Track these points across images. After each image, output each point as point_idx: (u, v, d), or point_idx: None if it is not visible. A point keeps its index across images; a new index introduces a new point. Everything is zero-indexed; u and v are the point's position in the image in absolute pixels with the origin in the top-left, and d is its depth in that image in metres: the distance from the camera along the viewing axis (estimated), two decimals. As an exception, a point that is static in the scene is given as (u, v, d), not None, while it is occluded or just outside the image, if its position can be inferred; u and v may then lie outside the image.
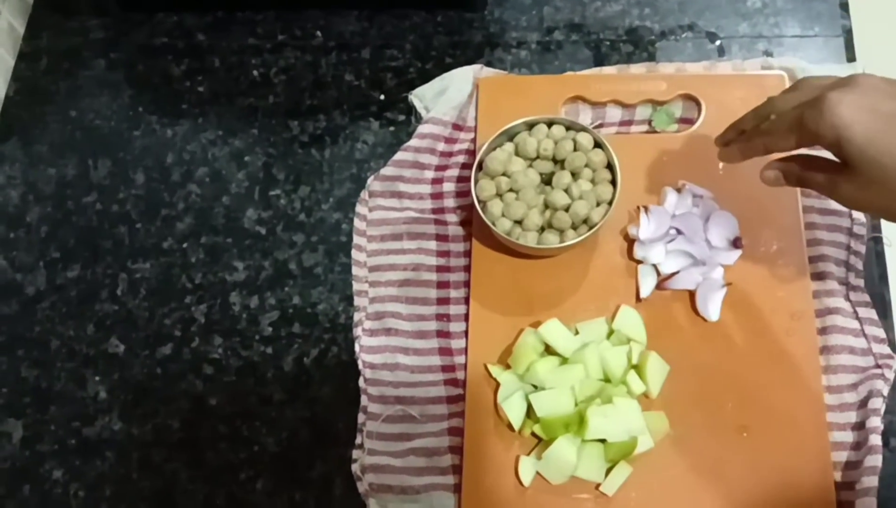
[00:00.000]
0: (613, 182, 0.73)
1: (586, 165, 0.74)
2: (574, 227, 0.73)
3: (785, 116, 0.59)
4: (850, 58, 0.84)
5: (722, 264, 0.75)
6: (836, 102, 0.55)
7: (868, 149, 0.54)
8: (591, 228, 0.72)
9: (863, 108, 0.54)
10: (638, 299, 0.75)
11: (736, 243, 0.75)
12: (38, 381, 0.78)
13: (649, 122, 0.82)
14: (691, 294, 0.74)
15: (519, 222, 0.74)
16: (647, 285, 0.75)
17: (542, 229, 0.74)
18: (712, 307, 0.73)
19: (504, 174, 0.74)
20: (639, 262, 0.76)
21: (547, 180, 0.75)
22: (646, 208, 0.76)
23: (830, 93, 0.55)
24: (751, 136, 0.64)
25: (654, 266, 0.75)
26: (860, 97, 0.55)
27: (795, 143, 0.59)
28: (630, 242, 0.76)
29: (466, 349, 0.75)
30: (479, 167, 0.76)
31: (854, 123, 0.54)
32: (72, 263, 0.82)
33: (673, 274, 0.74)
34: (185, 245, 0.82)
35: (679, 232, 0.75)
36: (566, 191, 0.73)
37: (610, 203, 0.72)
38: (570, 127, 0.76)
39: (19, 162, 0.87)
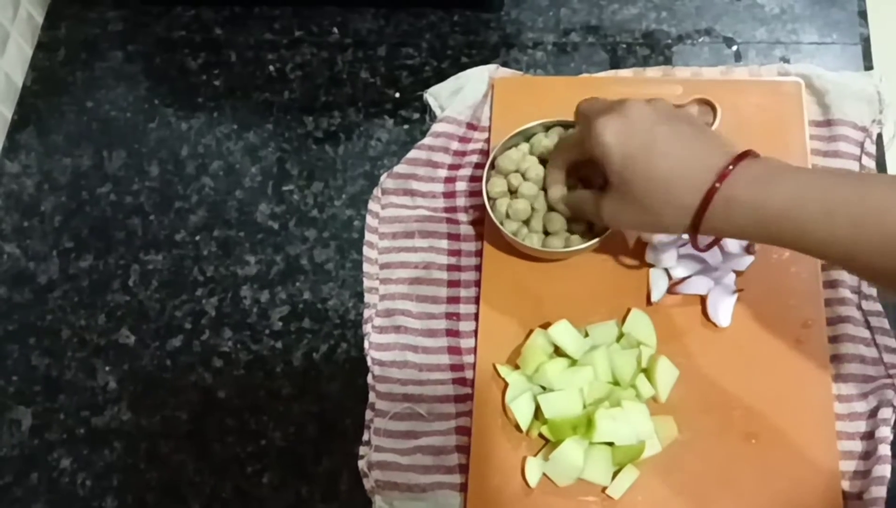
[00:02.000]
0: None
1: None
2: (578, 233, 0.73)
3: (573, 134, 0.70)
4: (868, 66, 0.84)
5: (734, 269, 0.74)
6: (602, 127, 0.63)
7: (623, 170, 0.62)
8: (597, 235, 0.72)
9: (622, 134, 0.62)
10: (649, 302, 0.74)
11: (749, 249, 0.75)
12: (49, 370, 0.78)
13: (664, 126, 0.82)
14: (702, 299, 0.74)
15: (526, 223, 0.74)
16: (658, 289, 0.74)
17: (546, 232, 0.73)
18: (723, 313, 0.73)
19: (516, 172, 0.74)
20: (650, 266, 0.75)
21: None
22: None
23: (599, 120, 0.63)
24: (553, 153, 0.73)
25: (666, 271, 0.75)
26: (621, 126, 0.62)
27: (576, 155, 0.70)
28: (642, 245, 0.76)
29: (475, 348, 0.75)
30: (492, 166, 0.76)
31: (612, 144, 0.62)
32: (84, 253, 0.82)
33: (684, 279, 0.74)
34: (197, 238, 0.82)
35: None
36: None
37: None
38: None
39: (35, 151, 0.87)
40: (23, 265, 0.82)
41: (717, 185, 0.59)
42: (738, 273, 0.74)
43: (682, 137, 0.62)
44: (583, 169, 0.72)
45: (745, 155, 0.60)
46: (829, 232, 0.57)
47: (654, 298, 0.74)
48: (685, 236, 0.75)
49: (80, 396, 0.77)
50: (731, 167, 0.59)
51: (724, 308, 0.73)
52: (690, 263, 0.75)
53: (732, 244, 0.75)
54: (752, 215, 0.59)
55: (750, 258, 0.74)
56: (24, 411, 0.77)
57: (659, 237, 0.74)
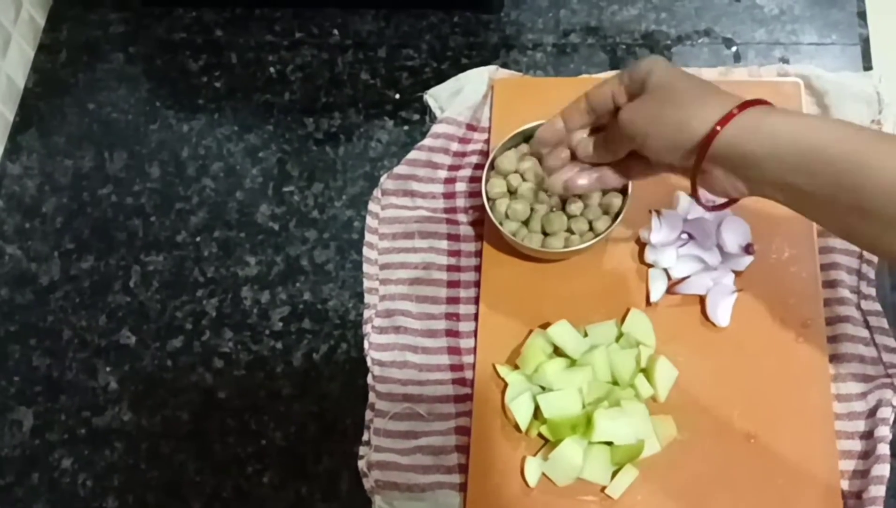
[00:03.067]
0: (624, 192, 0.73)
1: None
2: (578, 234, 0.73)
3: (609, 79, 0.66)
4: (867, 66, 0.84)
5: (733, 269, 0.75)
6: (650, 59, 0.64)
7: (664, 77, 0.62)
8: (596, 235, 0.72)
9: (665, 62, 0.64)
10: (648, 303, 0.75)
11: (748, 250, 0.75)
12: (50, 370, 0.78)
13: (663, 126, 0.82)
14: (702, 299, 0.74)
15: (525, 223, 0.74)
16: (657, 289, 0.74)
17: (546, 233, 0.74)
18: (722, 313, 0.73)
19: (515, 173, 0.74)
20: (650, 266, 0.76)
21: None
22: (658, 212, 0.76)
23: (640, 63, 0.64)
24: (594, 148, 0.69)
25: (665, 271, 0.75)
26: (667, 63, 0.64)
27: (615, 90, 0.66)
28: (642, 245, 0.76)
29: (475, 348, 0.75)
30: (492, 167, 0.76)
31: (659, 63, 0.63)
32: (86, 254, 0.83)
33: (683, 279, 0.74)
34: (198, 239, 0.82)
35: (691, 237, 0.75)
36: (568, 201, 0.73)
37: (617, 214, 0.72)
38: None
39: (37, 153, 0.88)
40: (24, 266, 0.83)
41: (717, 128, 0.59)
42: (738, 273, 0.75)
43: (707, 82, 0.63)
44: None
45: (751, 104, 0.60)
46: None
47: (653, 298, 0.74)
48: (685, 236, 0.75)
49: (81, 396, 0.77)
50: (735, 111, 0.59)
51: (723, 308, 0.73)
52: (690, 263, 0.75)
53: (732, 244, 0.75)
54: (783, 138, 0.57)
55: (749, 258, 0.75)
56: (26, 411, 0.77)
57: (657, 238, 0.75)
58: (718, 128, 0.58)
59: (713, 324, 0.73)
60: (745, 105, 0.59)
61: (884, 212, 0.54)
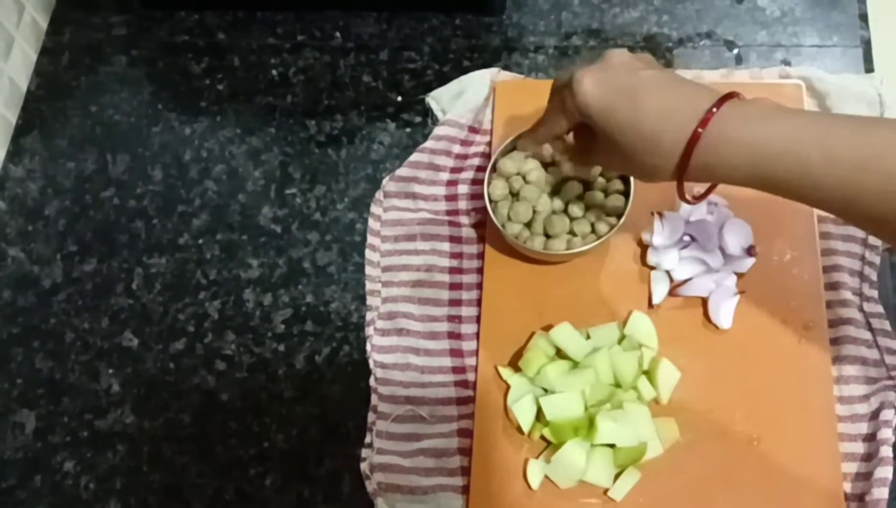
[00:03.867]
0: (626, 194, 0.73)
1: (600, 175, 0.74)
2: (580, 236, 0.73)
3: (552, 97, 0.65)
4: (869, 68, 0.84)
5: (735, 271, 0.75)
6: (580, 80, 0.61)
7: (604, 120, 0.60)
8: (599, 237, 0.72)
9: (602, 83, 0.60)
10: (650, 305, 0.75)
11: (750, 251, 0.75)
12: (52, 373, 0.78)
13: (665, 128, 0.82)
14: (704, 302, 0.74)
15: (527, 226, 0.74)
16: (659, 291, 0.74)
17: (548, 235, 0.74)
18: (724, 315, 0.73)
19: (518, 175, 0.75)
20: (652, 268, 0.76)
21: (557, 189, 0.75)
22: (660, 214, 0.76)
23: (579, 72, 0.61)
24: (534, 127, 0.70)
25: (667, 273, 0.75)
26: (602, 73, 0.60)
27: (565, 123, 0.65)
28: (644, 247, 0.76)
29: (477, 351, 0.75)
30: (494, 169, 0.76)
31: (593, 97, 0.60)
32: (88, 256, 0.83)
33: (686, 281, 0.74)
34: (200, 242, 0.82)
35: (693, 239, 0.75)
36: (570, 204, 0.73)
37: (620, 216, 0.72)
38: None
39: (39, 156, 0.88)
40: (27, 269, 0.83)
41: (700, 130, 0.57)
42: (740, 275, 0.75)
43: (666, 82, 0.60)
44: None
45: (731, 95, 0.58)
46: (827, 174, 0.54)
47: (655, 300, 0.74)
48: (687, 238, 0.75)
49: (83, 399, 0.77)
50: (715, 109, 0.57)
51: (725, 310, 0.73)
52: (692, 265, 0.75)
53: (734, 246, 0.75)
54: (743, 156, 0.56)
55: (751, 260, 0.75)
56: (28, 414, 0.77)
57: (659, 240, 0.75)
58: (679, 174, 0.59)
59: (715, 326, 0.73)
60: (695, 138, 0.57)
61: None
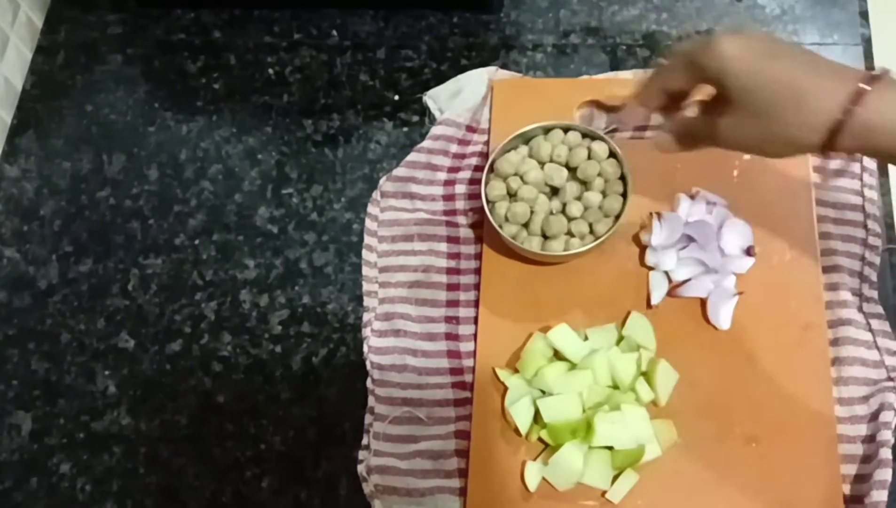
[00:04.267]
0: (624, 194, 0.73)
1: (599, 175, 0.73)
2: (578, 236, 0.73)
3: (677, 55, 0.63)
4: (869, 66, 0.83)
5: (734, 272, 0.74)
6: (721, 40, 0.58)
7: (749, 79, 0.58)
8: (597, 238, 0.72)
9: (744, 47, 0.58)
10: (649, 305, 0.74)
11: (749, 252, 0.74)
12: (48, 374, 0.78)
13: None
14: (702, 302, 0.74)
15: (525, 226, 0.73)
16: (658, 292, 0.74)
17: (545, 235, 0.73)
18: (723, 316, 0.72)
19: (515, 175, 0.74)
20: (650, 268, 0.75)
21: (555, 191, 0.75)
22: (658, 215, 0.75)
23: (719, 34, 0.59)
24: (648, 81, 0.66)
25: (666, 273, 0.75)
26: (743, 39, 0.58)
27: (685, 79, 0.62)
28: (642, 248, 0.76)
29: (475, 352, 0.74)
30: (491, 169, 0.75)
31: (735, 57, 0.58)
32: (84, 257, 0.82)
33: (684, 281, 0.74)
34: (196, 242, 0.82)
35: (692, 239, 0.75)
36: (568, 204, 0.73)
37: (618, 217, 0.72)
38: (587, 135, 0.75)
39: (34, 155, 0.87)
40: (22, 270, 0.82)
41: (865, 87, 0.54)
42: (739, 276, 0.74)
43: (807, 52, 0.58)
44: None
45: (884, 75, 0.55)
46: None
47: (654, 301, 0.74)
48: (685, 239, 0.75)
49: (79, 400, 0.77)
50: (866, 87, 0.54)
51: (724, 311, 0.73)
52: (691, 265, 0.74)
53: (732, 247, 0.74)
54: None
55: (751, 261, 0.74)
56: (24, 415, 0.77)
57: (658, 240, 0.74)
58: (825, 148, 0.56)
59: (714, 327, 0.73)
60: (857, 97, 0.54)
61: None
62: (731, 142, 0.62)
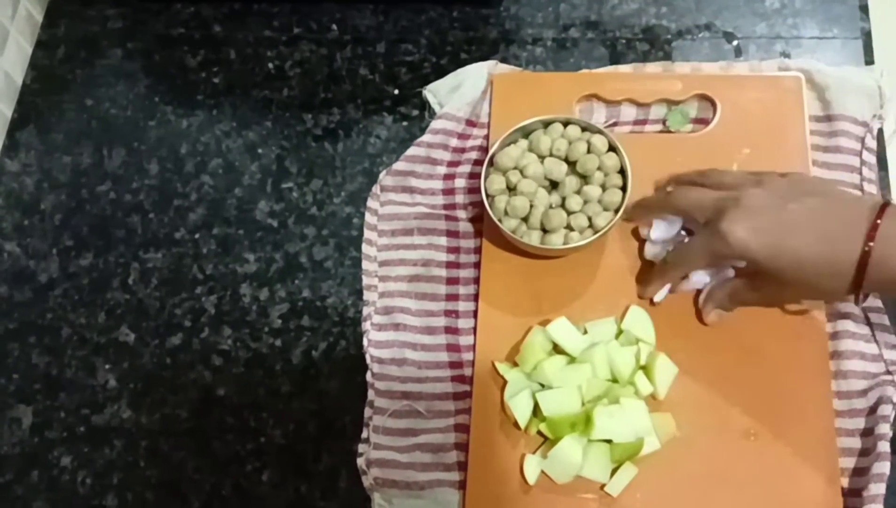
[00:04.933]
0: (624, 188, 0.73)
1: (598, 169, 0.74)
2: (578, 230, 0.73)
3: (695, 252, 0.69)
4: (869, 61, 0.83)
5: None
6: (730, 231, 0.63)
7: (771, 262, 0.63)
8: (596, 232, 0.72)
9: (754, 230, 0.63)
10: (651, 302, 0.74)
11: None
12: (49, 368, 0.78)
13: (664, 121, 0.82)
14: (699, 293, 0.74)
15: (524, 220, 0.73)
16: (662, 289, 0.74)
17: (545, 229, 0.73)
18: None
19: (515, 169, 0.74)
20: (650, 262, 0.75)
21: (555, 184, 0.75)
22: None
23: (724, 223, 0.64)
24: (665, 270, 0.72)
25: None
26: (749, 216, 0.63)
27: (710, 265, 0.71)
28: (641, 242, 0.76)
29: (474, 345, 0.74)
30: (491, 163, 0.75)
31: (749, 245, 0.63)
32: (84, 251, 0.83)
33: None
34: (196, 236, 0.82)
35: (690, 232, 0.75)
36: (568, 198, 0.73)
37: (617, 210, 0.72)
38: (586, 128, 0.75)
39: (35, 150, 0.88)
40: (23, 264, 0.83)
41: (869, 245, 0.60)
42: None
43: (815, 210, 0.63)
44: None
45: (886, 206, 0.61)
46: None
47: (656, 298, 0.74)
48: (684, 232, 0.75)
49: (80, 394, 0.77)
50: (879, 221, 0.60)
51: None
52: None
53: None
54: None
55: None
56: (25, 409, 0.77)
57: (656, 234, 0.74)
58: (855, 292, 0.62)
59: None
60: (863, 261, 0.60)
61: None
62: (776, 304, 0.72)
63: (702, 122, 0.81)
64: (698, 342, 0.73)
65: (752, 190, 0.65)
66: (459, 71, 0.85)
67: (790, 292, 0.68)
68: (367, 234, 0.80)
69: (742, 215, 0.63)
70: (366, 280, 0.79)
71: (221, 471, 0.74)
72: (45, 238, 0.83)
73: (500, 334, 0.74)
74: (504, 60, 0.86)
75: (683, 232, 0.75)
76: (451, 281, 0.78)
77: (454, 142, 0.83)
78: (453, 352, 0.75)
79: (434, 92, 0.85)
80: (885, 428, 0.68)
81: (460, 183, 0.81)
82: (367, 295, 0.78)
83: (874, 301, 0.73)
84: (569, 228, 0.73)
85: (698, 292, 0.74)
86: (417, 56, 0.88)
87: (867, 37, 0.85)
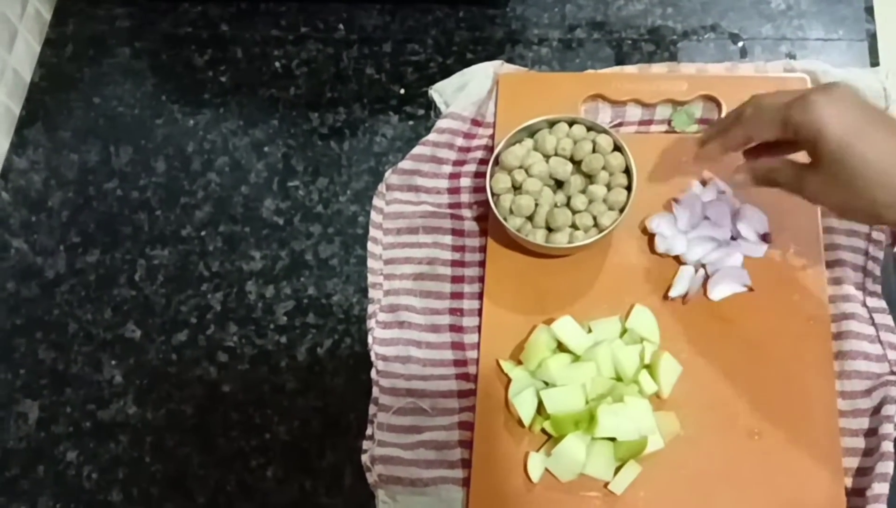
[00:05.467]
0: (629, 187, 0.73)
1: (603, 168, 0.74)
2: (582, 229, 0.73)
3: (769, 108, 0.63)
4: (874, 62, 0.84)
5: (749, 255, 0.74)
6: (819, 103, 0.59)
7: (840, 148, 0.59)
8: (601, 231, 0.72)
9: (842, 112, 0.59)
10: (666, 297, 0.74)
11: (765, 238, 0.74)
12: (56, 363, 0.79)
13: (669, 122, 0.82)
14: (705, 289, 0.74)
15: (529, 219, 0.74)
16: (681, 285, 0.74)
17: (550, 228, 0.74)
18: (719, 290, 0.73)
19: (520, 168, 0.74)
20: (661, 255, 0.75)
21: (560, 184, 0.75)
22: (675, 201, 0.75)
23: (816, 94, 0.60)
24: (731, 126, 0.66)
25: (698, 269, 0.75)
26: (841, 103, 0.59)
27: (775, 133, 0.63)
28: (648, 240, 0.76)
29: (479, 344, 0.75)
30: (496, 162, 0.76)
31: (833, 122, 0.59)
32: (91, 248, 0.83)
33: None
34: (203, 233, 0.83)
35: (705, 218, 0.75)
36: (573, 197, 0.73)
37: (622, 209, 0.72)
38: (592, 128, 0.76)
39: (43, 147, 0.88)
40: (30, 260, 0.83)
41: None
42: (747, 265, 0.74)
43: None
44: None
45: None
46: None
47: (672, 293, 0.74)
48: (706, 222, 0.75)
49: (86, 389, 0.78)
50: None
51: (722, 287, 0.73)
52: (702, 244, 0.74)
53: (748, 231, 0.74)
54: None
55: (765, 246, 0.74)
56: (31, 404, 0.77)
57: (661, 229, 0.74)
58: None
59: (718, 320, 0.73)
60: None
61: None
62: (814, 199, 0.64)
63: (707, 122, 0.81)
64: (702, 342, 0.73)
65: (845, 86, 0.61)
66: (465, 71, 0.86)
67: (837, 195, 0.61)
68: (373, 232, 0.80)
69: (835, 96, 0.59)
70: (371, 278, 0.79)
71: (226, 467, 0.74)
72: (53, 235, 0.84)
73: (505, 332, 0.74)
74: (510, 60, 0.87)
75: (706, 222, 0.75)
76: (456, 279, 0.78)
77: (460, 141, 0.83)
78: (458, 350, 0.75)
79: (440, 91, 0.85)
80: (888, 428, 0.68)
81: (465, 182, 0.81)
82: (372, 293, 0.78)
83: (879, 302, 0.73)
84: (574, 227, 0.73)
85: (706, 279, 0.74)
86: (424, 56, 0.89)
87: (872, 38, 0.85)
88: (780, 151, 0.66)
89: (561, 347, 0.72)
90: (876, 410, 0.69)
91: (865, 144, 0.58)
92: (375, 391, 0.74)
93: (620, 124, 0.82)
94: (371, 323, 0.77)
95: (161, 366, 0.78)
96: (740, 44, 0.86)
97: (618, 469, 0.69)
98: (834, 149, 0.59)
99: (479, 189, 0.80)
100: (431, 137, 0.83)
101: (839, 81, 0.61)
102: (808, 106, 0.59)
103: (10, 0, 0.88)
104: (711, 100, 0.81)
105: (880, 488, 0.66)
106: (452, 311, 0.77)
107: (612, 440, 0.68)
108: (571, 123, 0.76)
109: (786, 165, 0.65)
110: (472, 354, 0.75)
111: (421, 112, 0.86)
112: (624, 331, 0.73)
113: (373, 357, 0.75)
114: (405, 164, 0.82)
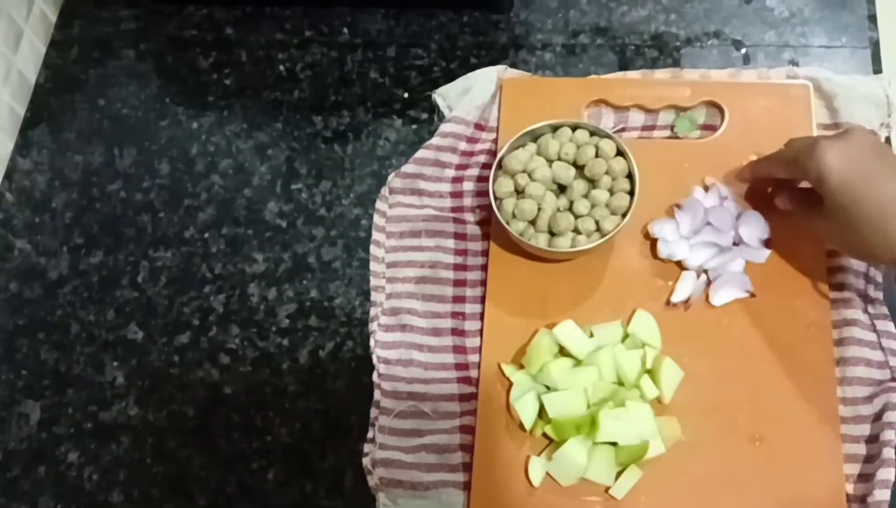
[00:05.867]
0: (632, 192, 0.73)
1: (606, 173, 0.74)
2: (585, 233, 0.73)
3: (791, 149, 0.69)
4: (877, 69, 0.84)
5: (750, 260, 0.74)
6: (825, 149, 0.64)
7: (839, 193, 0.64)
8: (603, 236, 0.72)
9: (844, 158, 0.63)
10: (668, 302, 0.74)
11: (767, 244, 0.75)
12: (58, 364, 0.79)
13: (672, 127, 0.82)
14: (708, 283, 0.74)
15: (532, 223, 0.74)
16: (683, 290, 0.74)
17: (552, 232, 0.74)
18: (721, 296, 0.73)
19: (523, 172, 0.75)
20: (664, 261, 0.75)
21: (563, 188, 0.75)
22: (678, 206, 0.76)
23: (823, 140, 0.65)
24: (760, 160, 0.75)
25: (700, 274, 0.75)
26: (846, 149, 0.64)
27: (788, 173, 0.70)
28: (650, 245, 0.76)
29: (481, 347, 0.75)
30: (499, 166, 0.76)
31: (833, 169, 0.63)
32: (94, 249, 0.83)
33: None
34: (206, 235, 0.83)
35: (707, 223, 0.75)
36: (575, 201, 0.73)
37: (625, 214, 0.72)
38: (595, 133, 0.76)
39: (47, 148, 0.88)
40: (33, 261, 0.83)
41: None
42: (749, 272, 0.74)
43: None
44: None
45: None
46: None
47: (674, 298, 0.74)
48: (709, 226, 0.75)
49: (88, 391, 0.78)
50: None
51: (724, 292, 0.73)
52: (704, 249, 0.74)
53: (750, 237, 0.74)
54: None
55: (767, 252, 0.74)
56: (33, 405, 0.78)
57: (663, 234, 0.75)
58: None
59: (718, 326, 0.73)
60: None
61: None
62: (820, 236, 0.72)
63: (710, 128, 0.81)
64: (704, 347, 0.73)
65: (862, 130, 0.65)
66: (469, 75, 0.86)
67: (838, 235, 0.67)
68: (375, 235, 0.81)
69: (841, 142, 0.64)
70: (373, 281, 0.79)
71: (227, 469, 0.74)
72: (56, 236, 0.84)
73: (507, 336, 0.75)
74: (513, 65, 0.87)
75: (709, 227, 0.75)
76: (459, 283, 0.78)
77: (463, 145, 0.83)
78: (459, 354, 0.75)
79: (443, 96, 0.86)
80: (890, 435, 0.68)
81: (468, 186, 0.81)
82: (374, 296, 0.78)
83: (881, 308, 0.73)
84: (576, 231, 0.73)
85: (707, 284, 0.74)
86: (427, 60, 0.89)
87: (875, 46, 0.85)
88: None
89: (563, 351, 0.72)
90: (877, 416, 0.69)
91: (864, 189, 0.63)
92: (377, 395, 0.74)
93: (623, 129, 0.82)
94: (373, 326, 0.77)
95: (163, 368, 0.78)
96: (743, 50, 0.86)
97: (619, 474, 0.69)
98: (834, 191, 0.63)
99: (481, 193, 0.80)
100: (435, 141, 0.83)
101: (856, 126, 0.67)
102: (814, 150, 0.64)
103: (15, 2, 0.88)
104: (714, 106, 0.81)
105: (881, 494, 0.66)
106: (454, 315, 0.77)
107: (614, 444, 0.68)
108: (574, 128, 0.76)
109: (804, 200, 0.70)
110: (473, 358, 0.75)
111: (424, 116, 0.86)
112: (626, 336, 0.73)
113: (374, 360, 0.75)
114: (408, 167, 0.82)
